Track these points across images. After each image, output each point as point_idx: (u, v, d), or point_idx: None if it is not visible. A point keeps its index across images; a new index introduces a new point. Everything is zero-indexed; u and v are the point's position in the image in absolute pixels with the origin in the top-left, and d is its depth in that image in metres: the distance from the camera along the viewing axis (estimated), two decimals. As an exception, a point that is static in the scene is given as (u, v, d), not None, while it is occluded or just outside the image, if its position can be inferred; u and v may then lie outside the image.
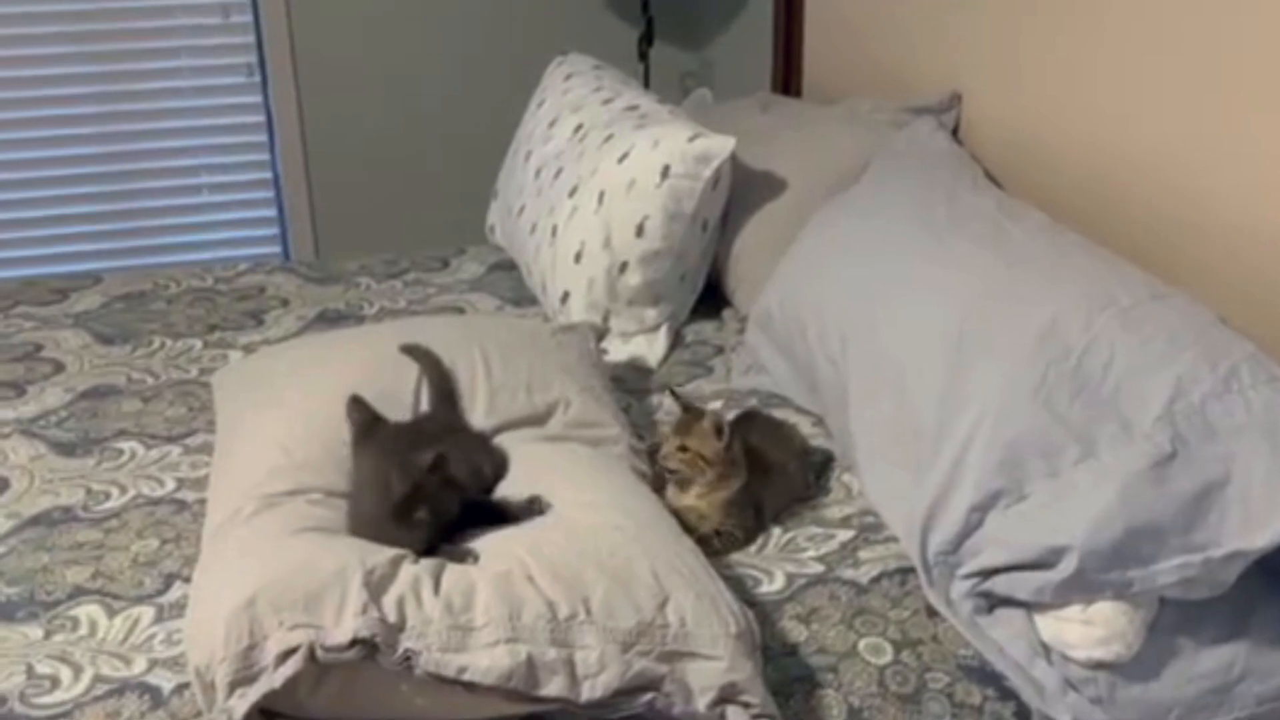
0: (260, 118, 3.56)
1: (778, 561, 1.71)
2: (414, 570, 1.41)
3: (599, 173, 2.37)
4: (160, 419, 2.07)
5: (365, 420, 1.68)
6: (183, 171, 3.58)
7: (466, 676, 1.32)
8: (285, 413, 1.77)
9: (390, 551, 1.44)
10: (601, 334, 2.22)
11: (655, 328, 2.38)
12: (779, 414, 2.02)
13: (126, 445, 1.99)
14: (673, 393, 1.86)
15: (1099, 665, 1.50)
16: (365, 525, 1.53)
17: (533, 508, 1.58)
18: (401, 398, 1.80)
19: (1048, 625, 1.52)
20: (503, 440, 1.77)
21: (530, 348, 1.96)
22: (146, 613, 1.59)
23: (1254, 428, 1.50)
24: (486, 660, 1.33)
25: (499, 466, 1.70)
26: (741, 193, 2.45)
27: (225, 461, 1.75)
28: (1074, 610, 1.51)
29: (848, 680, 1.51)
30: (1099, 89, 2.12)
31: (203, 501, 1.75)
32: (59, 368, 2.26)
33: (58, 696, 1.44)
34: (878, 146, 2.38)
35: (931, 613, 1.60)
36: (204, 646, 1.35)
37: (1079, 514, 1.49)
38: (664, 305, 2.39)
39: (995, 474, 1.57)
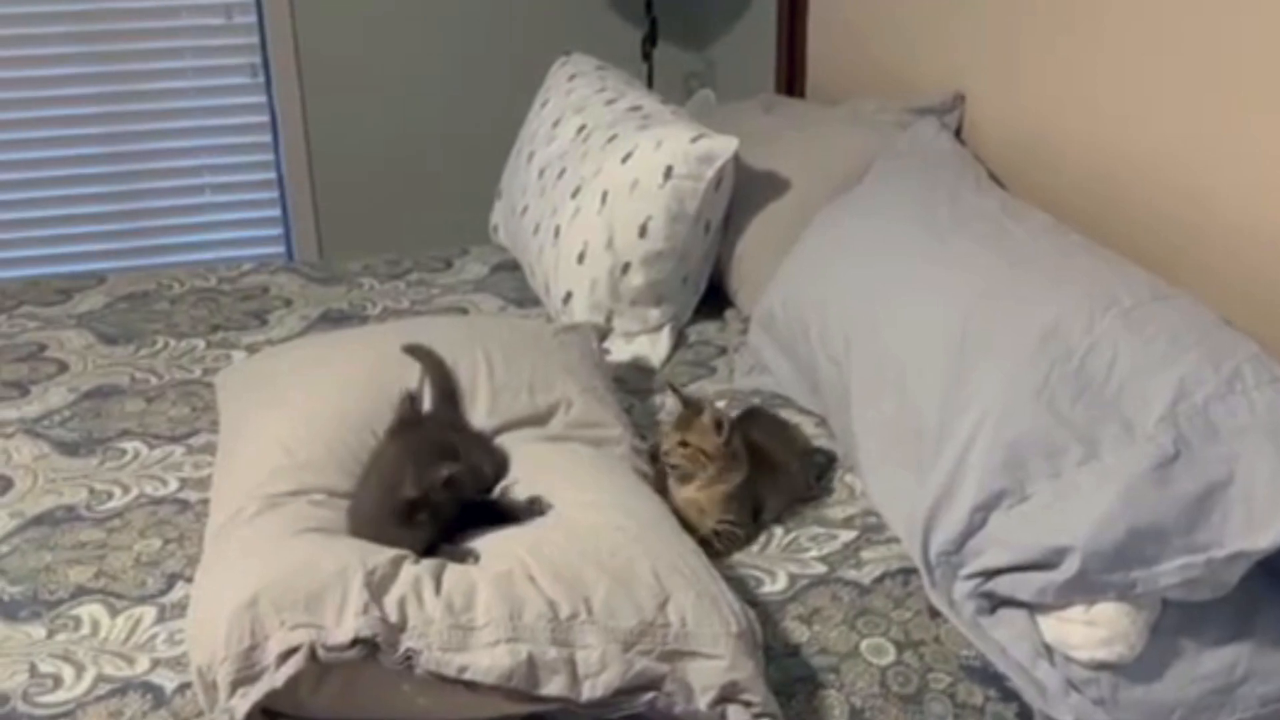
0: (264, 118, 3.56)
1: (780, 562, 1.71)
2: (415, 570, 1.42)
3: (602, 173, 2.37)
4: (163, 419, 2.08)
5: (407, 418, 1.68)
6: (186, 172, 3.58)
7: (467, 676, 1.33)
8: (288, 413, 1.77)
9: (391, 552, 1.44)
10: (604, 334, 2.22)
11: (658, 328, 2.38)
12: (782, 414, 2.02)
13: (130, 445, 1.99)
14: (673, 389, 1.87)
15: (1101, 666, 1.49)
16: (366, 522, 1.54)
17: (533, 508, 1.58)
18: (404, 398, 1.80)
19: (1050, 626, 1.52)
20: (504, 440, 1.77)
21: (533, 348, 1.96)
22: (149, 612, 1.59)
23: (1257, 428, 1.50)
24: (487, 660, 1.33)
25: (500, 467, 1.70)
26: (744, 193, 2.45)
27: (228, 461, 1.75)
28: (1076, 611, 1.50)
29: (850, 681, 1.51)
30: (1101, 89, 2.12)
31: (205, 501, 1.75)
32: (63, 368, 2.26)
33: (60, 696, 1.44)
34: (881, 147, 2.38)
35: (934, 613, 1.60)
36: (206, 646, 1.36)
37: (1081, 515, 1.49)
38: (667, 306, 2.39)
39: (998, 474, 1.57)
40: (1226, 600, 1.51)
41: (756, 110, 2.84)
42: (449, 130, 3.63)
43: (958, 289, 1.79)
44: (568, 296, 2.37)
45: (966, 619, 1.56)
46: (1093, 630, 1.49)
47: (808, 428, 2.01)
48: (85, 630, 1.56)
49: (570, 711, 1.36)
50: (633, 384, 2.20)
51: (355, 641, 1.31)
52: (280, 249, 3.68)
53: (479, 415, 1.80)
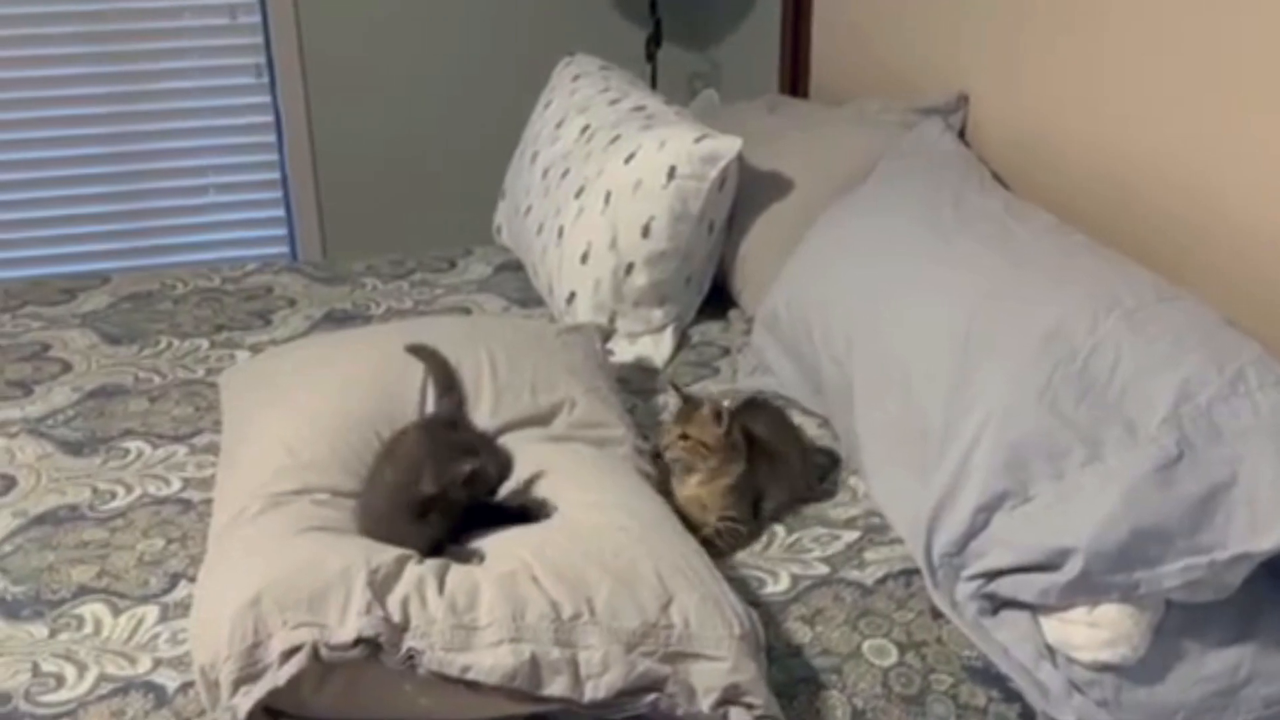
0: (268, 118, 3.56)
1: (783, 562, 1.71)
2: (418, 570, 1.42)
3: (605, 173, 2.37)
4: (167, 419, 2.08)
5: (428, 418, 1.68)
6: (190, 172, 3.58)
7: (470, 676, 1.33)
8: (291, 413, 1.78)
9: (395, 551, 1.45)
10: (607, 335, 2.22)
11: (661, 328, 2.38)
12: (777, 404, 2.01)
13: (133, 445, 2.00)
14: (674, 386, 1.87)
15: (1104, 668, 1.49)
16: (378, 518, 1.54)
17: (540, 511, 1.58)
18: (407, 398, 1.80)
19: (1053, 627, 1.52)
20: (507, 440, 1.76)
21: (536, 348, 1.96)
22: (151, 612, 1.59)
23: (1261, 430, 1.49)
24: (490, 660, 1.33)
25: (504, 467, 1.70)
26: (748, 194, 2.45)
27: (231, 461, 1.75)
28: (1079, 612, 1.50)
29: (852, 681, 1.51)
30: (1105, 90, 2.11)
31: (208, 501, 1.76)
32: (66, 367, 2.27)
33: (62, 695, 1.44)
34: (885, 148, 2.38)
35: (936, 614, 1.60)
36: (208, 645, 1.36)
37: (1084, 516, 1.49)
38: (670, 306, 2.39)
39: (1001, 475, 1.57)
40: (1230, 602, 1.51)
41: (760, 111, 2.84)
42: (453, 130, 3.63)
43: (961, 289, 1.79)
44: (571, 297, 2.37)
45: (969, 620, 1.56)
46: (1095, 631, 1.49)
47: (810, 429, 2.01)
48: (88, 630, 1.56)
49: (572, 712, 1.36)
50: (636, 384, 2.20)
51: (358, 641, 1.31)
52: (284, 249, 3.68)
53: (482, 415, 1.80)
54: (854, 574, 1.68)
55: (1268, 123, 1.79)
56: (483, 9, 3.56)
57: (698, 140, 2.30)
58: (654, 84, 3.38)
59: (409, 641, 1.33)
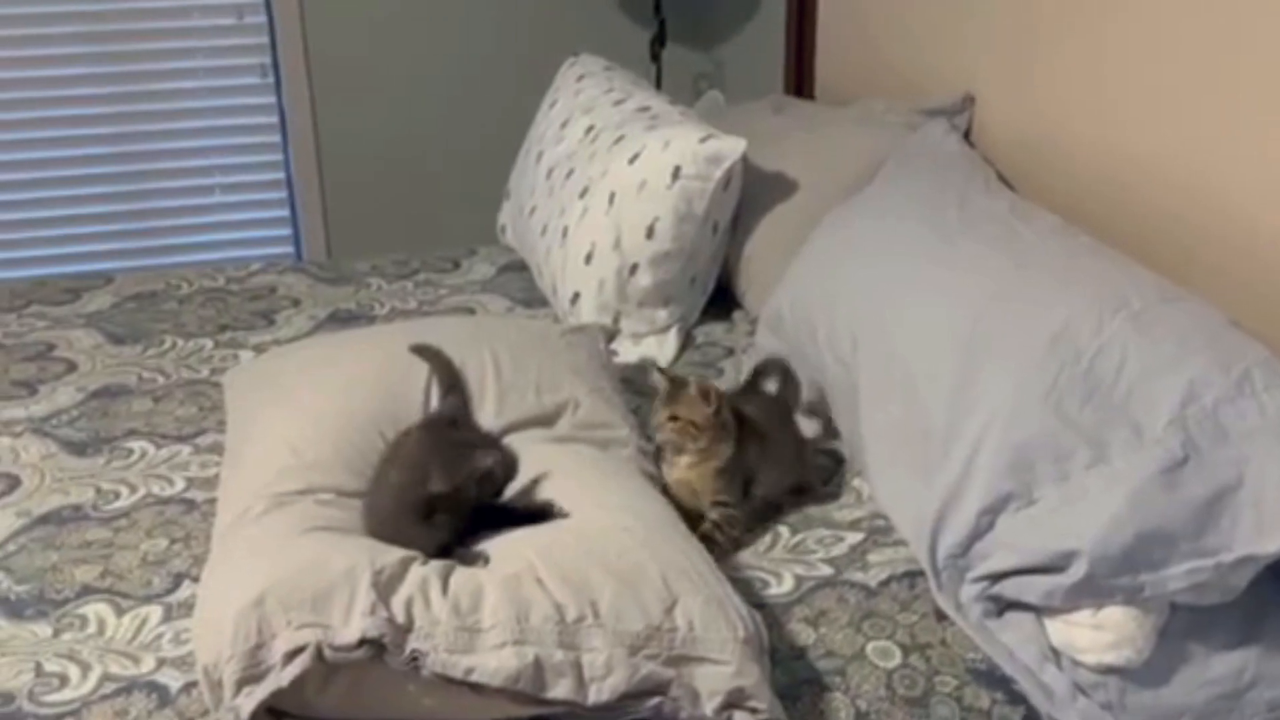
0: (273, 118, 3.56)
1: (786, 564, 1.71)
2: (422, 571, 1.41)
3: (610, 174, 2.37)
4: (171, 419, 2.08)
5: (431, 417, 1.67)
6: (195, 172, 3.58)
7: (474, 678, 1.33)
8: (295, 412, 1.78)
9: (399, 552, 1.44)
10: (612, 335, 2.21)
11: (665, 329, 2.38)
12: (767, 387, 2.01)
13: (137, 445, 2.00)
14: (659, 370, 1.86)
15: (1109, 670, 1.49)
16: (384, 518, 1.54)
17: (548, 514, 1.57)
18: (411, 398, 1.80)
19: (1057, 630, 1.52)
20: (511, 441, 1.76)
21: (540, 349, 1.96)
22: (154, 612, 1.59)
23: (1267, 431, 1.49)
24: (494, 662, 1.33)
25: (509, 468, 1.70)
26: (753, 194, 2.44)
27: (235, 461, 1.75)
28: (1084, 615, 1.50)
29: (855, 683, 1.51)
30: (1110, 91, 2.11)
31: (212, 501, 1.75)
32: (71, 367, 2.27)
33: (66, 695, 1.44)
34: (890, 148, 2.38)
35: (940, 616, 1.60)
36: (212, 645, 1.36)
37: (1089, 518, 1.49)
38: (674, 307, 2.39)
39: (1005, 477, 1.56)
40: (1235, 605, 1.51)
41: (765, 111, 2.84)
42: (457, 131, 3.63)
43: (966, 290, 1.79)
44: (575, 297, 2.37)
45: (973, 622, 1.56)
46: (1100, 634, 1.49)
47: (813, 430, 2.01)
48: (91, 629, 1.56)
49: (576, 715, 1.36)
50: (640, 385, 2.19)
51: (362, 642, 1.31)
52: (288, 249, 3.68)
53: (486, 416, 1.80)
54: (858, 576, 1.68)
55: (1273, 125, 1.79)
56: (488, 9, 3.56)
57: (702, 141, 2.30)
58: (659, 84, 3.38)
59: (413, 643, 1.33)
